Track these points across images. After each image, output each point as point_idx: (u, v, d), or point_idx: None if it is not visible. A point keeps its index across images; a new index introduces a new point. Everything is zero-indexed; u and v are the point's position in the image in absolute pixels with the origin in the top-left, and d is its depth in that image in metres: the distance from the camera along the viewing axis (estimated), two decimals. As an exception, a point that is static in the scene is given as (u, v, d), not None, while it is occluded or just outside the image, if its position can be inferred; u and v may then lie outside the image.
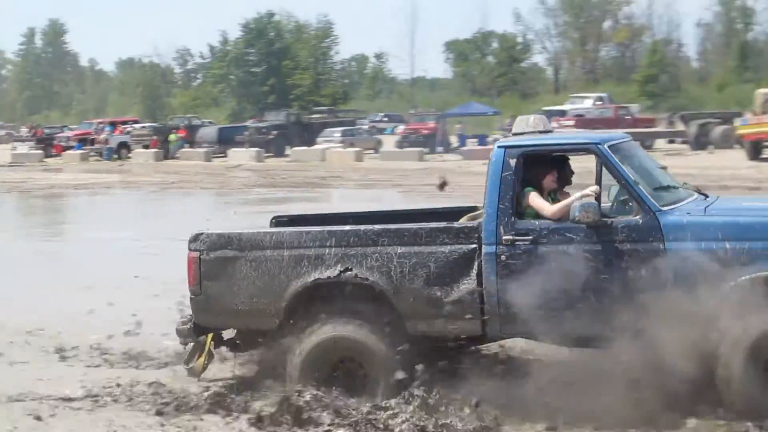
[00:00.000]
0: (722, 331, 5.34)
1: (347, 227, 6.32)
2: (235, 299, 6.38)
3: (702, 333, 5.30)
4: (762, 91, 35.37)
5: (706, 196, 6.29)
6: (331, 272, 6.06)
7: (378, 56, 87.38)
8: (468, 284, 5.87)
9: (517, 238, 5.78)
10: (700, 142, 35.49)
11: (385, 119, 56.58)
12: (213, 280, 6.40)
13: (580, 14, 71.26)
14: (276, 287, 6.23)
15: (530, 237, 5.72)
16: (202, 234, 6.49)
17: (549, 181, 6.19)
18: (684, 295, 5.36)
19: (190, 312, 6.60)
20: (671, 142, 38.69)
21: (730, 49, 65.95)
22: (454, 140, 39.53)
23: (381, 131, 49.00)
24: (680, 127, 38.27)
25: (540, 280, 5.53)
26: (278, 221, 7.31)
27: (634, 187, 5.74)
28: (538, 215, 5.88)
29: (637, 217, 5.68)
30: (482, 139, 37.18)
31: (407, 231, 6.05)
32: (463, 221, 6.41)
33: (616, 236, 5.64)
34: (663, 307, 5.39)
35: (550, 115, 39.28)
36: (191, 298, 6.53)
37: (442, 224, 6.14)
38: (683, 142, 37.19)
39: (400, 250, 5.96)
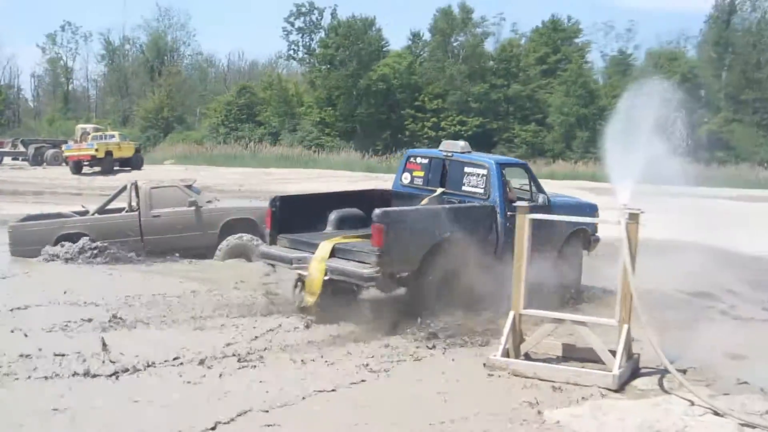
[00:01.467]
0: None
1: (448, 206, 9.83)
2: (403, 252, 8.93)
3: None
4: (79, 126, 46.66)
5: None
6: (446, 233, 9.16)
7: None
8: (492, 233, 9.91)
9: (508, 212, 9.73)
10: (37, 161, 44.81)
11: None
12: (394, 241, 8.82)
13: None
14: (420, 243, 9.04)
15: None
16: (388, 211, 9.01)
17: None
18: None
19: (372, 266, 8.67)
20: (16, 159, 46.69)
21: (56, 95, 77.97)
22: None
23: None
24: (22, 149, 46.87)
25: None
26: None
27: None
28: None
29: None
30: None
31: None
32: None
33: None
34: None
35: None
36: (379, 255, 8.73)
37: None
38: (23, 160, 45.96)
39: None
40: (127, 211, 14.84)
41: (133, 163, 40.86)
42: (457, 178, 10.66)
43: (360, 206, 10.57)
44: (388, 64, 52.91)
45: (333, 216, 10.57)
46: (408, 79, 53.05)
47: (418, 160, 11.25)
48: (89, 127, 45.68)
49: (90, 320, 9.14)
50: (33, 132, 64.08)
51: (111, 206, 15.21)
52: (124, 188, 15.15)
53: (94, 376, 7.12)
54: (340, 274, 8.92)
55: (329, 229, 10.50)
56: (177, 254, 14.15)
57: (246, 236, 14.08)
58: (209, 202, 15.00)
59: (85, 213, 15.18)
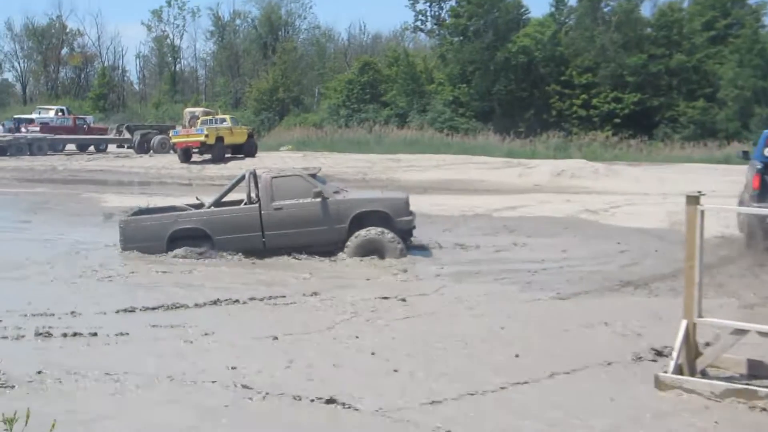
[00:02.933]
0: None
1: None
2: None
3: None
4: (187, 110, 48.21)
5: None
6: None
7: None
8: None
9: None
10: (142, 148, 45.82)
11: None
12: None
13: (42, 41, 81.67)
14: None
15: None
16: None
17: None
18: None
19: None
20: (120, 147, 48.53)
21: (163, 76, 79.37)
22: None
23: None
24: (127, 135, 48.28)
25: None
26: None
27: None
28: None
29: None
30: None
31: None
32: None
33: None
34: None
35: (20, 122, 49.03)
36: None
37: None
38: (129, 148, 47.29)
39: None
40: (246, 204, 15.18)
41: (245, 149, 41.10)
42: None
43: None
44: (528, 34, 51.02)
45: None
46: (552, 50, 51.01)
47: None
48: (198, 110, 46.35)
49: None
50: (139, 117, 65.86)
51: (227, 198, 15.62)
52: (242, 178, 15.61)
53: None
54: None
55: None
56: (299, 253, 14.55)
57: (377, 229, 14.36)
58: (336, 192, 15.18)
59: (200, 206, 15.61)
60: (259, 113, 59.00)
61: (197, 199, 16.64)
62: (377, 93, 54.57)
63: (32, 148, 44.10)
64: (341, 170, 34.48)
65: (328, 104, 56.27)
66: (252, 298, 11.23)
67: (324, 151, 43.95)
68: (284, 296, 11.36)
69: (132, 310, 10.54)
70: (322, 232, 14.59)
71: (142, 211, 15.95)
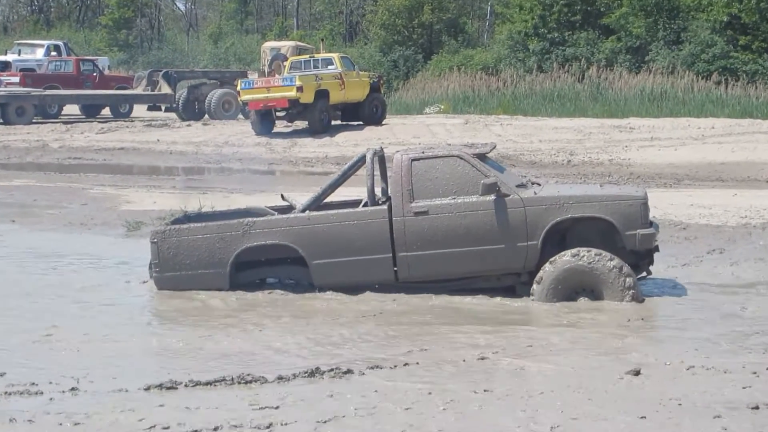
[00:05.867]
0: None
1: None
2: None
3: None
4: (267, 44, 48.95)
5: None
6: None
7: None
8: None
9: None
10: (191, 111, 47.24)
11: None
12: None
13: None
14: None
15: None
16: None
17: None
18: None
19: None
20: (154, 108, 49.66)
21: None
22: None
23: None
24: (166, 89, 48.67)
25: None
26: None
27: None
28: None
29: None
30: None
31: None
32: None
33: None
34: None
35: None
36: None
37: None
38: (168, 110, 48.58)
39: None
40: (366, 205, 15.59)
41: (366, 112, 41.84)
42: None
43: None
44: None
45: None
46: None
47: None
48: (287, 45, 47.29)
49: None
50: (185, 59, 67.80)
51: (334, 196, 16.19)
52: (361, 161, 15.96)
53: None
54: None
55: None
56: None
57: (590, 252, 14.46)
58: (522, 186, 15.45)
59: (288, 209, 15.97)
60: (390, 49, 59.75)
61: (283, 198, 16.90)
62: (594, 11, 54.69)
63: (7, 111, 45.08)
64: (530, 146, 35.11)
65: (509, 32, 56.63)
66: (375, 366, 11.53)
67: (501, 113, 44.07)
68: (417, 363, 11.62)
69: (173, 387, 10.88)
70: (496, 254, 14.84)
71: (189, 218, 16.34)
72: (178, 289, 15.25)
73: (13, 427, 9.58)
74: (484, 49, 59.13)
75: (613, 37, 53.54)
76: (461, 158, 15.10)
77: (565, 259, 14.44)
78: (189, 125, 44.73)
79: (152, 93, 49.84)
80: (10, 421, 9.66)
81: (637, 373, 11.12)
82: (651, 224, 14.97)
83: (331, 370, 11.35)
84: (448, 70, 54.50)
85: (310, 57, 42.89)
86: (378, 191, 15.63)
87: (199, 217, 16.45)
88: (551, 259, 14.51)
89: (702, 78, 47.93)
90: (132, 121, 47.89)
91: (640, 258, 14.91)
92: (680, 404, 10.18)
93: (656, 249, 15.17)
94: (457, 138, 36.41)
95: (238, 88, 41.86)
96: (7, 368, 11.45)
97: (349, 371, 11.35)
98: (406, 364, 11.58)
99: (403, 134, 38.02)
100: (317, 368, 11.37)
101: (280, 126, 41.04)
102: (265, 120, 40.54)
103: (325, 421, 9.65)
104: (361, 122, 41.40)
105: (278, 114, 40.73)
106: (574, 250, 14.48)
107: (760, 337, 12.84)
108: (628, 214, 14.68)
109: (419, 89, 52.82)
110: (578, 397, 10.41)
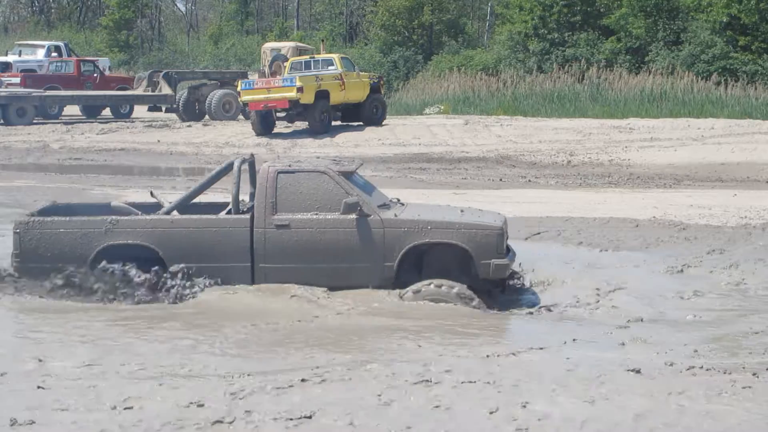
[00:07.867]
0: None
1: None
2: None
3: None
4: (268, 46, 48.66)
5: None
6: None
7: None
8: None
9: None
10: (191, 111, 47.27)
11: None
12: None
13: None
14: None
15: None
16: None
17: None
18: None
19: None
20: (154, 109, 49.73)
21: None
22: None
23: None
24: (166, 90, 48.76)
25: None
26: None
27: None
28: None
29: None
30: None
31: None
32: None
33: None
34: None
35: (-13, 68, 50.87)
36: None
37: None
38: (169, 110, 48.64)
39: None
40: (230, 212, 15.73)
41: (366, 113, 41.89)
42: None
43: None
44: None
45: None
46: None
47: None
48: (287, 46, 47.18)
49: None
50: (186, 60, 68.04)
51: (203, 198, 16.53)
52: (228, 168, 16.11)
53: None
54: None
55: None
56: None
57: (437, 283, 14.76)
58: (385, 206, 15.66)
59: (155, 207, 16.11)
60: (390, 49, 59.82)
61: (152, 194, 17.16)
62: (594, 12, 54.74)
63: (8, 112, 45.22)
64: (530, 147, 35.00)
65: (509, 33, 56.77)
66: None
67: (501, 114, 44.16)
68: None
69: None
70: (353, 272, 15.20)
71: (55, 209, 16.20)
72: (35, 278, 15.09)
73: None
74: (484, 50, 59.35)
75: (612, 38, 53.81)
76: (326, 174, 15.30)
77: (418, 286, 14.78)
78: (189, 126, 44.93)
79: (153, 94, 49.90)
80: None
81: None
82: (508, 252, 15.23)
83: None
84: (448, 71, 54.68)
85: (311, 58, 43.00)
86: (247, 197, 15.82)
87: (68, 209, 16.17)
88: (413, 287, 14.82)
89: (702, 78, 48.11)
90: (132, 121, 48.05)
91: (494, 285, 15.33)
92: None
93: (511, 277, 15.78)
94: (457, 138, 36.49)
95: (239, 88, 41.83)
96: None
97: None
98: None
99: (403, 135, 38.08)
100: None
101: (281, 127, 41.17)
102: (265, 121, 40.71)
103: None
104: (361, 123, 41.46)
105: (278, 115, 40.87)
106: (425, 282, 14.79)
107: None
108: (484, 244, 14.87)
109: (419, 90, 52.94)
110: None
